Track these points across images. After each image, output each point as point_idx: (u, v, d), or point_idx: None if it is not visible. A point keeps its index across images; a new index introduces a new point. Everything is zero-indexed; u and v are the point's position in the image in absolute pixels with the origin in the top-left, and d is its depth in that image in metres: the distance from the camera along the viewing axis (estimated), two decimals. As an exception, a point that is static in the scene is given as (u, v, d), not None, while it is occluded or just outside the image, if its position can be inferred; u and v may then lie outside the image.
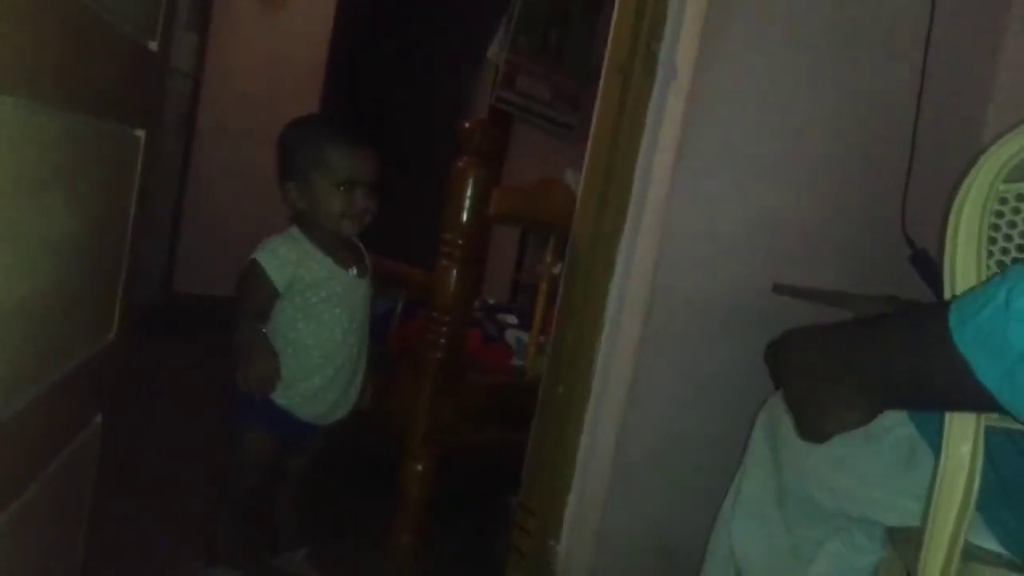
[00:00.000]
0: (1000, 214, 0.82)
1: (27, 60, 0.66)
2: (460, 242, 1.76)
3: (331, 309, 1.53)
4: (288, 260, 1.50)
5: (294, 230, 1.54)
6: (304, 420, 1.56)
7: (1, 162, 0.65)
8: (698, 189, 1.58)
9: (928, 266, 1.55)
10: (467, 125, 1.77)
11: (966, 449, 0.80)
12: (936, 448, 0.84)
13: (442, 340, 1.78)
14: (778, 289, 1.64)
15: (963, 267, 0.80)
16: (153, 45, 1.09)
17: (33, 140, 0.72)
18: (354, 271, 1.57)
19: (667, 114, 1.52)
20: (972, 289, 0.76)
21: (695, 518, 1.43)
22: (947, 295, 0.80)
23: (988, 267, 0.81)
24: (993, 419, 0.80)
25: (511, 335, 2.25)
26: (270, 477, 1.63)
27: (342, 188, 1.50)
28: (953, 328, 0.69)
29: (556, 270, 2.01)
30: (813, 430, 0.85)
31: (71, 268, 0.90)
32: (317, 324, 1.53)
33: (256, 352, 1.46)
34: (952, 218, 0.81)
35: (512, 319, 2.37)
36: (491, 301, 2.69)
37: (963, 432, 0.80)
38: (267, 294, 1.50)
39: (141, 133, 1.09)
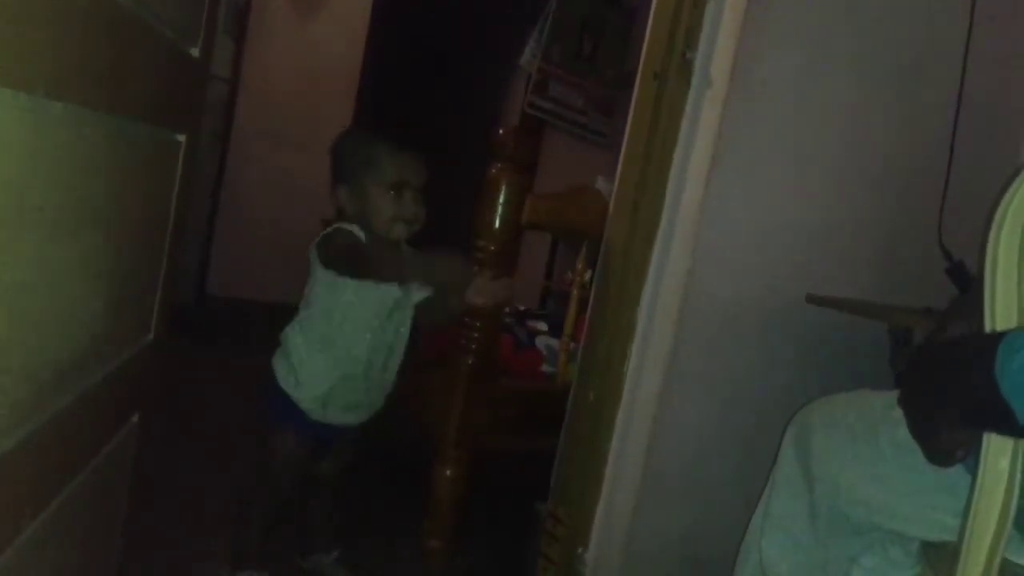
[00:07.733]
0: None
1: (76, 67, 0.68)
2: (492, 248, 1.77)
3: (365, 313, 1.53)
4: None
5: (355, 226, 1.51)
6: (327, 422, 1.56)
7: (53, 165, 0.67)
8: (732, 197, 1.57)
9: (966, 279, 1.53)
10: (501, 132, 1.78)
11: (1004, 463, 0.78)
12: (974, 463, 0.83)
13: (474, 345, 1.79)
14: (811, 299, 1.63)
15: (1004, 285, 0.79)
16: (195, 52, 1.11)
17: (82, 144, 0.73)
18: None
19: (701, 122, 1.51)
20: (1017, 331, 0.76)
21: (726, 528, 1.43)
22: (987, 313, 0.79)
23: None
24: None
25: (542, 342, 2.25)
26: (302, 480, 1.64)
27: (392, 191, 1.50)
28: (997, 373, 0.71)
29: (587, 277, 2.01)
30: (930, 455, 0.87)
31: (115, 270, 0.92)
32: (352, 325, 1.52)
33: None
34: (992, 236, 0.80)
35: (543, 326, 2.38)
36: (521, 308, 2.70)
37: (1002, 446, 0.78)
38: (365, 255, 1.48)
39: (182, 137, 1.11)
